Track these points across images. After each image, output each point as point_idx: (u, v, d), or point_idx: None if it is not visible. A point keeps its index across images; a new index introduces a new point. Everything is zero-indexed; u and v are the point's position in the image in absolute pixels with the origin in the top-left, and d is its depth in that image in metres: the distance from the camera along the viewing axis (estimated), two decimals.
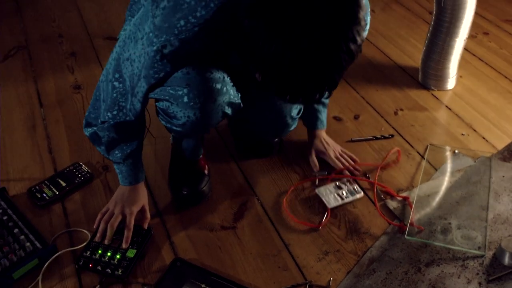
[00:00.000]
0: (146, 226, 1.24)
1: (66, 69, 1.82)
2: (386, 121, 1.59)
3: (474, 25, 2.00)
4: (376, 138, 1.52)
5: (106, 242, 1.20)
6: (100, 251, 1.18)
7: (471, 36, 1.96)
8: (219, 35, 1.00)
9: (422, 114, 1.61)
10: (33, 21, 2.11)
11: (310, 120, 1.42)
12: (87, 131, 1.20)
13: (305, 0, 0.81)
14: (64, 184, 1.36)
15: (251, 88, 1.15)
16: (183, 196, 1.33)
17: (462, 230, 1.22)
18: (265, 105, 1.23)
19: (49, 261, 1.16)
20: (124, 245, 1.19)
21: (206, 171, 1.36)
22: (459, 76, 1.74)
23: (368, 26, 1.12)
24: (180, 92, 1.04)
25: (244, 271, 1.17)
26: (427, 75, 1.70)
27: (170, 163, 1.39)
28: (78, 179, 1.38)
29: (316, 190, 1.33)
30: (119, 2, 2.15)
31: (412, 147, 1.49)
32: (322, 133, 1.44)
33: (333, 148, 1.43)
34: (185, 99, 1.05)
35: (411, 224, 1.24)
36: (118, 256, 1.17)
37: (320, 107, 1.40)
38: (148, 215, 1.25)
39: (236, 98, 1.12)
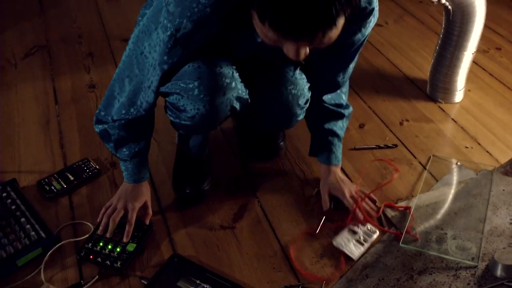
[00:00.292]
0: (147, 222, 1.28)
1: (83, 69, 1.88)
2: (391, 131, 1.60)
3: (487, 40, 2.02)
4: (380, 147, 1.53)
5: (108, 235, 1.24)
6: (101, 244, 1.22)
7: (483, 51, 1.96)
8: (230, 18, 1.01)
9: (428, 126, 1.62)
10: (55, 22, 2.19)
11: (324, 154, 1.37)
12: (98, 128, 1.24)
13: None
14: (72, 178, 1.41)
15: (257, 77, 1.19)
16: (186, 194, 1.36)
17: (457, 240, 1.23)
18: (271, 94, 1.23)
19: (52, 250, 1.21)
20: (124, 239, 1.23)
21: (209, 171, 1.40)
22: (468, 90, 1.75)
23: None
24: (191, 85, 1.08)
25: (240, 270, 1.19)
26: (435, 87, 1.71)
27: (174, 163, 1.42)
28: (86, 174, 1.43)
29: (334, 242, 1.23)
30: (139, 6, 2.21)
31: (415, 157, 1.50)
32: (337, 170, 1.37)
33: (348, 187, 1.34)
34: (196, 92, 1.08)
35: (407, 233, 1.25)
36: (118, 249, 1.21)
37: (335, 140, 1.35)
38: (150, 211, 1.29)
39: (244, 94, 1.15)
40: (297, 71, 1.23)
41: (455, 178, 1.43)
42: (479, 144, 1.55)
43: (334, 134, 1.35)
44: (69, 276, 1.18)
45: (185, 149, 1.39)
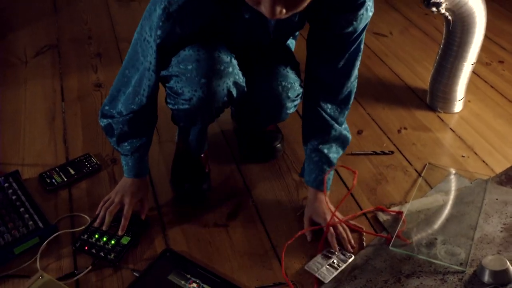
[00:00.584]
0: (143, 217, 1.30)
1: (91, 68, 1.93)
2: (389, 138, 1.62)
3: (490, 52, 2.03)
4: (376, 153, 1.55)
5: (104, 228, 1.27)
6: (97, 236, 1.25)
7: (485, 63, 1.98)
8: None
9: (425, 135, 1.63)
10: (66, 22, 2.25)
11: (314, 179, 1.32)
12: (102, 122, 1.27)
13: None
14: (73, 172, 1.45)
15: (253, 70, 1.23)
16: (184, 192, 1.39)
17: (446, 245, 1.24)
18: (264, 86, 1.26)
19: (48, 239, 1.24)
20: (119, 232, 1.25)
21: (207, 170, 1.43)
22: (468, 101, 1.76)
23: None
24: (189, 67, 1.11)
25: (230, 266, 1.22)
26: (435, 97, 1.73)
27: (173, 160, 1.45)
28: (86, 168, 1.46)
29: (306, 267, 1.20)
30: None
31: (411, 164, 1.51)
32: (324, 198, 1.31)
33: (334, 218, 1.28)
34: (193, 74, 1.11)
35: (398, 237, 1.26)
36: (112, 242, 1.24)
37: (326, 167, 1.31)
38: (146, 207, 1.32)
39: (241, 80, 1.18)
40: (288, 69, 1.26)
41: (449, 185, 1.44)
42: (476, 153, 1.56)
43: (328, 161, 1.31)
44: (64, 266, 1.21)
45: (184, 146, 1.42)
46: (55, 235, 1.25)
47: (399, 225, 1.29)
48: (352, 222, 1.31)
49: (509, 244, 1.25)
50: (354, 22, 1.11)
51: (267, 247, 1.27)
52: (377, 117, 1.71)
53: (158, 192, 1.41)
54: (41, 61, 1.98)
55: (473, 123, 1.68)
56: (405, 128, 1.66)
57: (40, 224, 1.26)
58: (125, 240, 1.25)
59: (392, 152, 1.56)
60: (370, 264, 1.21)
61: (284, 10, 0.89)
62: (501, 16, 2.30)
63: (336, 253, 1.23)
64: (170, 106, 1.22)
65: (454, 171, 1.48)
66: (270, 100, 1.27)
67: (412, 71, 1.95)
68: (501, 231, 1.28)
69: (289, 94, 1.27)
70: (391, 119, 1.70)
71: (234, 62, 1.15)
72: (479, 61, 1.88)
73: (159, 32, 1.08)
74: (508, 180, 1.45)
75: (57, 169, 1.46)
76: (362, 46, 1.21)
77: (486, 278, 1.14)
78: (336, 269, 1.19)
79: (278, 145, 1.52)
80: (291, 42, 1.43)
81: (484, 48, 1.92)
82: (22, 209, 1.29)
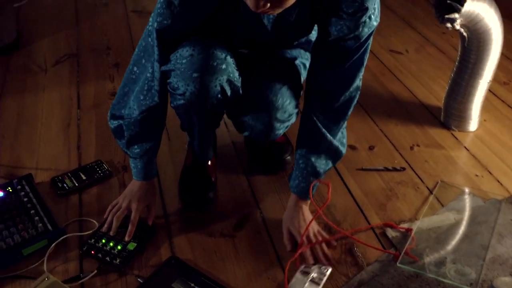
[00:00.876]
0: (150, 223, 1.31)
1: (108, 78, 1.96)
2: (401, 154, 1.60)
3: (507, 71, 2.01)
4: (387, 169, 1.53)
5: (111, 233, 1.27)
6: (104, 241, 1.26)
7: (503, 83, 1.95)
8: None
9: (438, 152, 1.61)
10: (87, 33, 2.30)
11: (296, 185, 1.29)
12: (112, 124, 1.28)
13: None
14: (84, 178, 1.46)
15: (251, 78, 1.23)
16: (189, 198, 1.40)
17: (457, 265, 1.22)
18: (258, 98, 1.23)
19: (56, 242, 1.25)
20: (126, 238, 1.26)
21: (213, 179, 1.43)
22: (483, 120, 1.74)
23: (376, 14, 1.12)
24: (184, 61, 1.13)
25: (234, 277, 1.21)
26: (449, 115, 1.71)
27: (182, 168, 1.46)
28: (98, 174, 1.48)
29: (289, 287, 1.18)
30: None
31: (422, 181, 1.50)
32: (304, 207, 1.30)
33: (309, 227, 1.27)
34: (186, 68, 1.12)
35: (406, 254, 1.24)
36: (119, 247, 1.24)
37: (311, 177, 1.27)
38: (153, 213, 1.32)
39: (236, 80, 1.17)
40: (285, 87, 1.24)
41: (461, 204, 1.41)
42: (490, 173, 1.53)
43: (314, 171, 1.27)
44: (70, 269, 1.22)
45: (192, 152, 1.43)
46: (62, 238, 1.27)
47: (408, 242, 1.27)
48: (325, 235, 1.28)
49: None
50: (356, 29, 1.09)
51: (272, 258, 1.26)
52: (389, 133, 1.70)
53: (166, 200, 1.42)
54: (60, 69, 2.03)
55: (489, 142, 1.66)
56: (417, 145, 1.64)
57: (49, 227, 1.28)
58: (131, 246, 1.25)
59: (404, 169, 1.54)
60: (377, 281, 1.19)
61: (268, 4, 0.89)
62: None
63: (312, 267, 1.21)
64: (172, 105, 1.23)
65: (467, 190, 1.46)
66: (260, 114, 1.24)
67: (427, 88, 1.93)
68: None
69: (278, 115, 1.24)
70: (404, 135, 1.69)
71: (230, 60, 1.15)
72: (497, 80, 1.86)
73: (159, 19, 1.11)
74: None
75: (69, 174, 1.48)
76: (365, 57, 1.18)
77: None
78: (318, 284, 1.17)
79: (288, 158, 1.51)
80: (303, 65, 1.36)
81: (501, 67, 1.91)
82: (32, 211, 1.31)
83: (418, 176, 1.52)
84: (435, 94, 1.89)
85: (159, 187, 1.45)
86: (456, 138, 1.68)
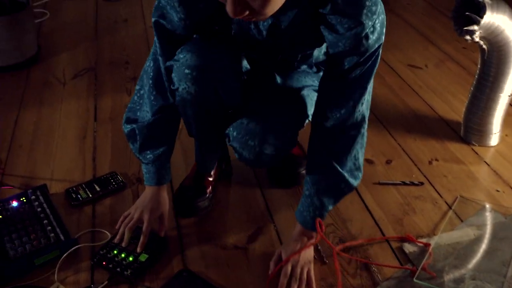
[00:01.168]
0: (162, 234, 1.30)
1: (125, 91, 1.98)
2: (419, 169, 1.57)
3: None
4: (405, 184, 1.50)
5: (123, 244, 1.26)
6: (115, 252, 1.25)
7: None
8: None
9: (458, 167, 1.58)
10: (106, 48, 2.33)
11: (299, 210, 1.24)
12: (126, 128, 1.28)
13: None
14: (98, 189, 1.46)
15: (252, 94, 1.21)
16: (178, 206, 1.39)
17: (476, 281, 1.17)
18: (247, 131, 1.18)
19: (68, 252, 1.24)
20: (138, 249, 1.25)
21: (208, 193, 1.41)
22: (505, 135, 1.70)
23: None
24: (181, 56, 1.12)
25: None
26: (469, 129, 1.68)
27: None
28: (112, 186, 1.48)
29: None
30: None
31: (441, 196, 1.46)
32: (305, 237, 1.23)
33: (301, 263, 1.19)
34: (181, 64, 1.12)
35: (423, 269, 1.20)
36: (130, 259, 1.23)
37: (316, 212, 1.20)
38: (166, 224, 1.31)
39: (232, 82, 1.15)
40: (281, 121, 1.18)
41: (481, 219, 1.37)
42: None
43: (321, 206, 1.19)
44: (81, 279, 1.21)
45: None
46: (74, 248, 1.26)
47: (425, 257, 1.23)
48: (312, 277, 1.18)
49: None
50: (353, 45, 1.02)
51: None
52: (407, 147, 1.67)
53: None
54: (78, 82, 2.05)
55: (510, 157, 1.61)
56: (436, 160, 1.61)
57: (61, 237, 1.27)
58: (143, 258, 1.24)
59: (422, 183, 1.50)
60: None
61: (247, 11, 0.87)
62: None
63: None
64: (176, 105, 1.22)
65: (487, 205, 1.42)
66: (245, 143, 1.17)
67: (446, 103, 1.90)
68: None
69: (266, 150, 1.17)
70: (422, 150, 1.65)
71: (227, 63, 1.13)
72: None
73: (156, 13, 1.12)
74: None
75: (83, 185, 1.48)
76: (367, 84, 1.10)
77: None
78: None
79: (303, 171, 1.49)
80: (310, 96, 1.28)
81: None
82: (45, 221, 1.31)
83: (437, 191, 1.48)
84: (455, 109, 1.85)
85: (171, 197, 1.44)
86: (476, 153, 1.64)
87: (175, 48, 1.15)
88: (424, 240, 1.30)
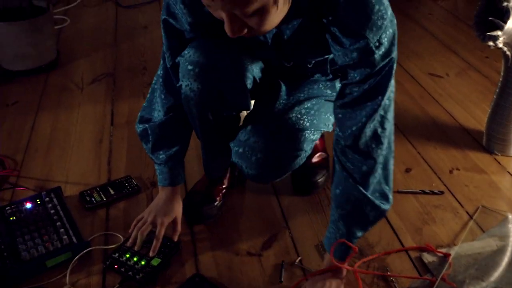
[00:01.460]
0: (175, 239, 1.28)
1: (142, 96, 1.97)
2: (439, 178, 1.53)
3: None
4: (424, 193, 1.46)
5: (135, 248, 1.25)
6: (127, 255, 1.23)
7: None
8: None
9: (480, 177, 1.53)
10: (125, 53, 2.34)
11: (327, 237, 1.16)
12: (138, 128, 1.28)
13: None
14: (112, 192, 1.45)
15: (259, 101, 1.19)
16: (184, 208, 1.35)
17: None
18: (252, 149, 1.16)
19: (80, 254, 1.23)
20: (150, 254, 1.23)
21: (217, 201, 1.38)
22: None
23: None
24: (186, 52, 1.11)
25: None
26: (492, 138, 1.63)
27: None
28: (126, 190, 1.47)
29: None
30: None
31: (462, 206, 1.41)
32: (330, 266, 1.17)
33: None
34: (185, 60, 1.11)
35: (443, 280, 1.16)
36: (142, 263, 1.21)
37: (344, 231, 1.12)
38: (179, 228, 1.29)
39: (238, 84, 1.11)
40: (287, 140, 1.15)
41: (504, 230, 1.32)
42: None
43: (348, 233, 1.12)
44: (92, 283, 1.19)
45: None
46: (86, 250, 1.25)
47: (445, 268, 1.19)
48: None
49: None
50: (359, 58, 0.96)
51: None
52: (427, 156, 1.63)
53: None
54: (96, 87, 2.06)
55: None
56: (457, 169, 1.57)
57: (74, 239, 1.26)
58: (155, 262, 1.22)
59: (442, 192, 1.46)
60: None
61: (245, 30, 0.86)
62: None
63: None
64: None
65: (510, 216, 1.37)
66: (249, 162, 1.15)
67: (468, 112, 1.85)
68: None
69: (265, 164, 1.14)
70: (443, 159, 1.61)
71: (233, 62, 1.10)
72: None
73: (165, 11, 1.11)
74: None
75: (97, 188, 1.47)
76: (380, 99, 1.02)
77: None
78: None
79: (320, 180, 1.46)
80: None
81: None
82: (58, 224, 1.30)
83: (457, 200, 1.44)
84: (477, 118, 1.81)
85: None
86: (499, 163, 1.59)
87: (182, 46, 1.14)
88: (444, 250, 1.26)
